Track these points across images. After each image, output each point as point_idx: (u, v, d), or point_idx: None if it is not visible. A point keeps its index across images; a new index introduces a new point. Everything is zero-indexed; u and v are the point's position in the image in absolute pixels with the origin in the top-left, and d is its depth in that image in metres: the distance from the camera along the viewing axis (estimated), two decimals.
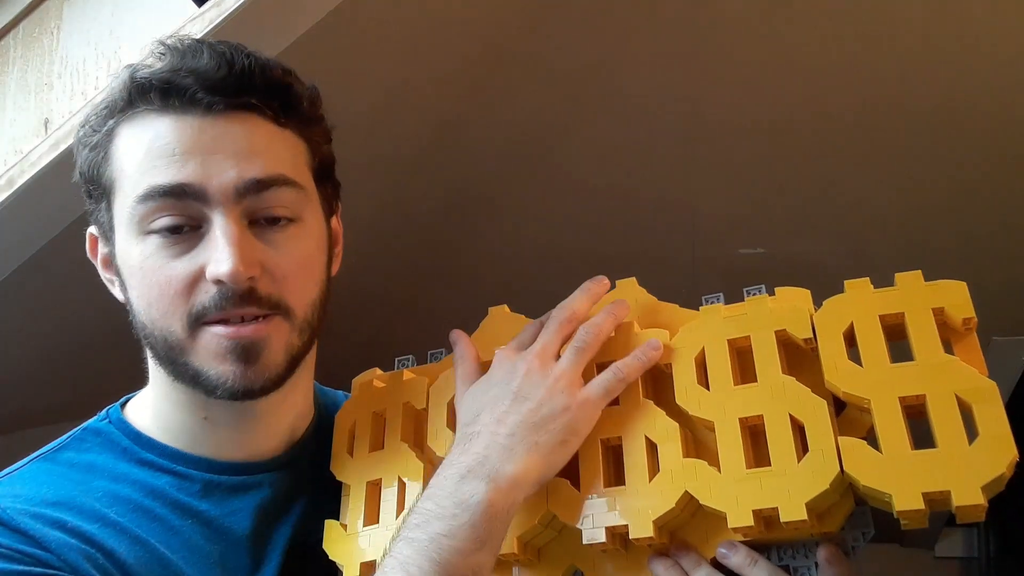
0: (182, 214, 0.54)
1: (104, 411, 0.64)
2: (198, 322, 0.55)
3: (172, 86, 0.55)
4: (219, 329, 0.55)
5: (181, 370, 0.57)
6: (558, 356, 0.59)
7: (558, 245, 1.69)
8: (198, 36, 0.76)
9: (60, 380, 1.39)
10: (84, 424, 0.63)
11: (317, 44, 1.03)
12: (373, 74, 1.20)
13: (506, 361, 0.59)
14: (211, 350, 0.55)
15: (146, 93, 0.55)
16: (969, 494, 0.47)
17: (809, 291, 0.57)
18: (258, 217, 0.56)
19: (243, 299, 0.54)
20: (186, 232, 0.55)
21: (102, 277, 0.62)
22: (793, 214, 1.62)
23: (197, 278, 0.54)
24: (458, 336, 0.64)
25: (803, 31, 1.27)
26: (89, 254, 0.63)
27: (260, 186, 0.55)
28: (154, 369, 0.61)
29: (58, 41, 1.14)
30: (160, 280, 0.54)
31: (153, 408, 0.62)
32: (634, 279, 0.64)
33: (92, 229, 0.62)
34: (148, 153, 0.54)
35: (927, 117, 1.39)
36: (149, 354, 0.60)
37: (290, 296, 0.57)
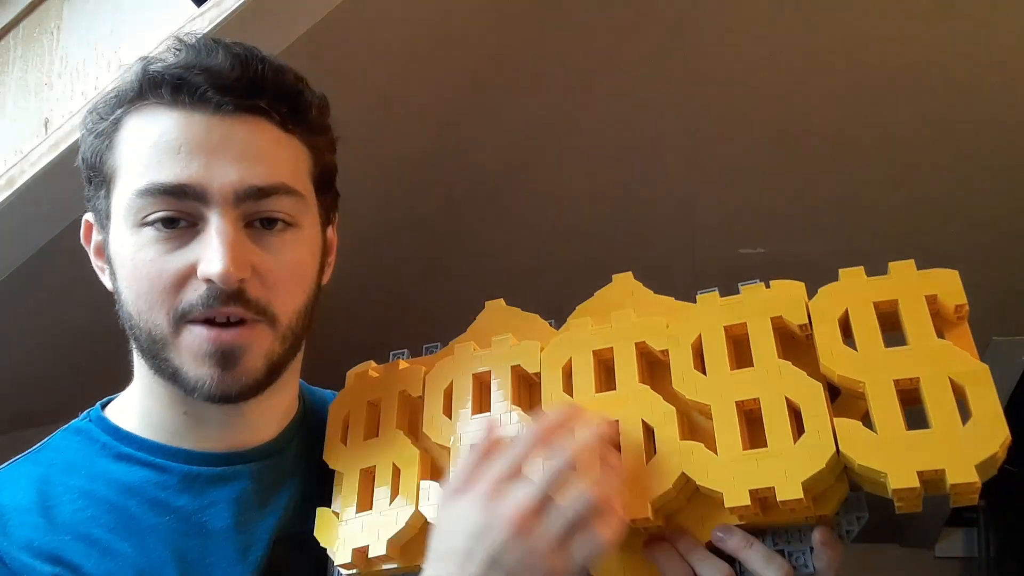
0: (180, 210, 0.55)
1: (86, 412, 0.64)
2: (183, 319, 0.55)
3: (184, 82, 0.55)
4: (202, 330, 0.55)
5: (162, 365, 0.57)
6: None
7: (558, 245, 1.69)
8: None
9: (60, 380, 1.39)
10: (67, 425, 0.63)
11: (317, 44, 1.03)
12: (373, 74, 1.20)
13: (488, 503, 0.51)
14: (192, 351, 0.55)
15: (157, 87, 0.56)
16: (963, 472, 0.47)
17: (804, 283, 0.57)
18: (255, 219, 0.57)
19: (230, 299, 0.55)
20: (182, 227, 0.55)
21: (93, 264, 0.62)
22: (793, 214, 1.62)
23: (187, 275, 0.55)
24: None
25: (802, 33, 1.27)
26: (83, 240, 0.63)
27: (260, 194, 0.56)
28: (137, 361, 0.62)
29: (58, 41, 1.14)
30: (151, 273, 0.55)
31: (134, 404, 0.63)
32: (630, 273, 0.64)
33: (88, 216, 0.62)
34: (153, 148, 0.55)
35: (927, 118, 1.39)
36: (133, 346, 0.61)
37: (277, 302, 0.57)
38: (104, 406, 0.65)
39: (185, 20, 0.97)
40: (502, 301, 0.68)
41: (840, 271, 0.56)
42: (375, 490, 0.62)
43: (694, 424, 0.57)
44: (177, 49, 0.57)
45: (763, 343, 0.55)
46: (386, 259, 1.63)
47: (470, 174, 1.53)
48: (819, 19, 1.25)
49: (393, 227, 1.57)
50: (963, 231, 1.60)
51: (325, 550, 0.61)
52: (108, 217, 0.58)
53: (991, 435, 0.48)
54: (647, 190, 1.59)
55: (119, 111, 0.57)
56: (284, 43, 0.99)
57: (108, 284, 0.60)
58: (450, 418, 0.62)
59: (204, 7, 0.95)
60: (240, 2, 0.93)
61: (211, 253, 0.54)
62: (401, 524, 0.58)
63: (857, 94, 1.36)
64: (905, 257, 0.56)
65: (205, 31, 0.94)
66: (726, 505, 0.52)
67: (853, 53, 1.29)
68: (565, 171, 1.55)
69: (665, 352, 0.58)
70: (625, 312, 0.61)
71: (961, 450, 0.47)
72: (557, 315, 0.66)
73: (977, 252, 1.63)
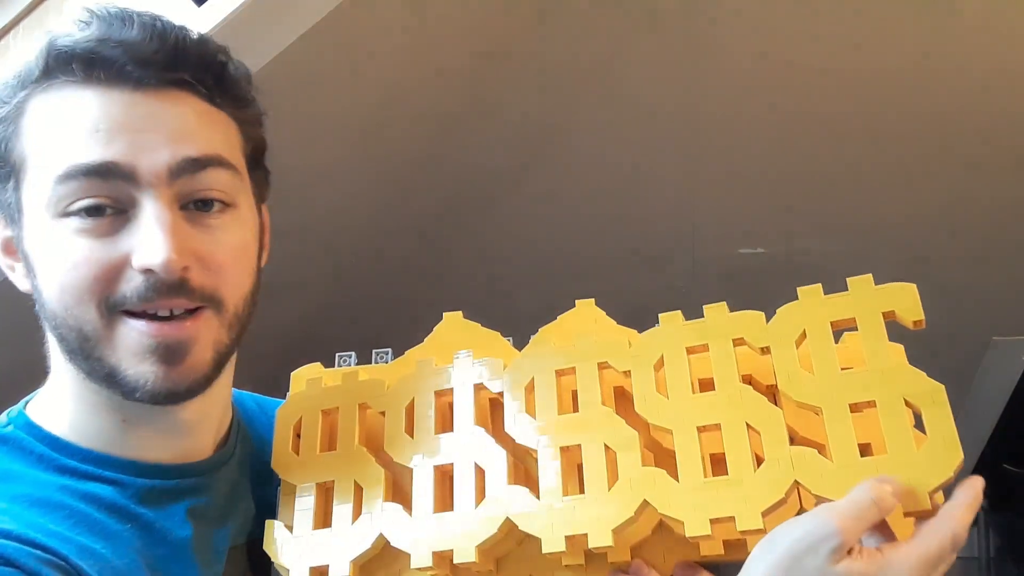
0: (107, 195, 0.49)
1: (2, 416, 0.56)
2: (116, 309, 0.49)
3: (98, 57, 0.49)
4: (140, 324, 0.49)
5: (95, 366, 0.51)
6: None
7: (558, 245, 1.69)
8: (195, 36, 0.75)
9: None
10: None
11: (317, 45, 1.03)
12: (372, 74, 1.20)
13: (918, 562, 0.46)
14: (130, 348, 0.50)
15: (67, 63, 0.49)
16: (918, 501, 0.47)
17: (763, 313, 0.57)
18: (189, 201, 0.51)
19: (172, 290, 0.49)
20: (109, 214, 0.49)
21: (0, 265, 0.55)
22: (793, 214, 1.62)
23: (120, 266, 0.49)
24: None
25: (804, 34, 1.27)
26: None
27: (196, 166, 0.50)
28: (63, 365, 0.55)
29: None
30: (77, 262, 0.49)
31: (63, 409, 0.55)
32: (592, 300, 0.63)
33: None
34: (69, 129, 0.49)
35: (927, 119, 1.39)
36: (59, 348, 0.54)
37: (224, 288, 0.52)
38: (25, 407, 0.58)
39: (185, 20, 0.97)
40: (460, 314, 0.65)
41: (799, 290, 0.56)
42: (334, 507, 0.59)
43: (657, 447, 0.57)
44: (86, 21, 0.51)
45: (725, 367, 0.55)
46: (383, 259, 1.63)
47: (469, 174, 1.53)
48: (820, 20, 1.25)
49: (391, 227, 1.57)
50: (964, 231, 1.61)
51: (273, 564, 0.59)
52: (19, 211, 0.52)
53: (946, 460, 0.47)
54: (647, 190, 1.59)
55: (22, 93, 0.51)
56: (284, 43, 0.99)
57: (21, 284, 0.54)
58: (412, 437, 0.60)
59: (204, 7, 0.95)
60: (240, 2, 0.93)
61: (149, 241, 0.48)
62: (366, 545, 0.57)
63: (857, 95, 1.36)
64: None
65: (205, 31, 0.94)
66: (687, 534, 0.51)
67: (853, 54, 1.29)
68: (565, 172, 1.55)
69: (628, 373, 0.57)
70: (588, 333, 0.60)
71: (916, 477, 0.47)
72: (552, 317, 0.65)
73: (977, 252, 1.63)
